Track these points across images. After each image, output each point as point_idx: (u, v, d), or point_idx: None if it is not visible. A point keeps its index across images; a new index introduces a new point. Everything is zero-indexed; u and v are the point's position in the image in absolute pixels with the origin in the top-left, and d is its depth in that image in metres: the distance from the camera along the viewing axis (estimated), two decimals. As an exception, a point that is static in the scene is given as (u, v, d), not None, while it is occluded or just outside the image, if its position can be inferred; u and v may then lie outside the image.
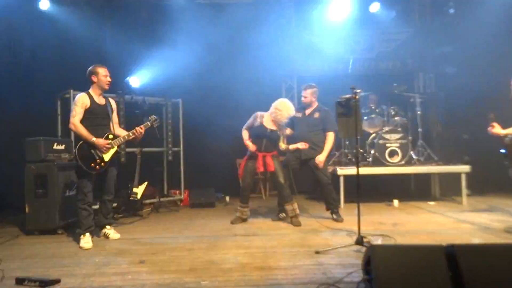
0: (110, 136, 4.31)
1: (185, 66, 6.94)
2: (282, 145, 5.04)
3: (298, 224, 4.93)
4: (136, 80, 7.04)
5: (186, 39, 6.95)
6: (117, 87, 6.42)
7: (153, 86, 7.03)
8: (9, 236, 4.72)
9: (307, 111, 5.32)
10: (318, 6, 7.83)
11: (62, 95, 5.93)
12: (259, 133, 5.05)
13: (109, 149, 4.24)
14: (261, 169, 5.04)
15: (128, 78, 6.96)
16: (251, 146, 5.00)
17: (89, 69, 4.34)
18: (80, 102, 4.19)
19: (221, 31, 7.21)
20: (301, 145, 4.98)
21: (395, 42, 8.03)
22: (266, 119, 5.08)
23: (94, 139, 4.14)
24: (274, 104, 5.03)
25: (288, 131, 5.15)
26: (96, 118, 4.28)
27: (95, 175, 4.26)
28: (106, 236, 4.44)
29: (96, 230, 4.50)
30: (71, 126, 4.20)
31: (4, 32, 6.27)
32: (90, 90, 4.32)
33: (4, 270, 3.32)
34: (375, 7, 7.71)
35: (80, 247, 4.09)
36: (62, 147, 5.18)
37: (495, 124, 4.64)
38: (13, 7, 6.30)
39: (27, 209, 4.80)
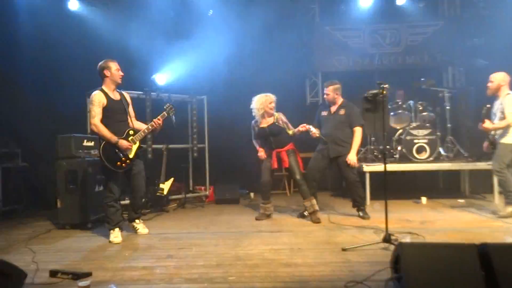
0: (131, 132, 4.29)
1: (210, 63, 6.99)
2: (290, 132, 5.01)
3: (317, 221, 4.89)
4: (162, 78, 7.13)
5: (211, 36, 6.99)
6: (143, 84, 6.56)
7: (179, 84, 7.11)
8: (42, 230, 4.90)
9: (332, 109, 5.24)
10: (343, 1, 7.72)
11: (91, 93, 6.06)
12: (262, 135, 5.14)
13: (131, 148, 4.25)
14: (275, 166, 5.06)
15: (154, 75, 7.06)
16: (262, 152, 5.15)
17: (99, 64, 4.25)
18: (97, 101, 4.14)
19: (245, 28, 7.22)
20: (301, 127, 4.86)
21: (423, 35, 7.83)
22: (258, 121, 5.13)
23: (117, 140, 4.13)
24: (252, 105, 5.12)
25: (316, 132, 4.94)
26: (114, 114, 4.24)
27: (122, 172, 4.31)
28: (135, 230, 4.50)
29: (126, 225, 4.61)
30: (93, 127, 4.18)
31: (35, 32, 6.46)
32: (104, 87, 4.25)
33: (38, 263, 3.45)
34: (402, 0, 7.53)
35: (110, 242, 4.19)
36: (92, 143, 5.31)
37: (486, 119, 4.76)
38: (43, 8, 6.50)
39: (59, 204, 4.96)
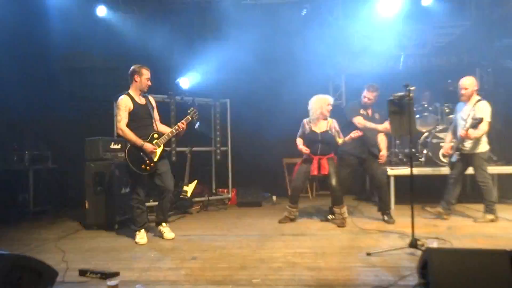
0: (155, 136, 4.35)
1: (233, 67, 7.05)
2: (339, 140, 4.99)
3: (342, 225, 4.88)
4: (186, 81, 7.23)
5: (234, 40, 7.04)
6: (168, 88, 6.68)
7: (203, 87, 7.20)
8: (71, 230, 5.05)
9: (369, 112, 5.23)
10: (366, 2, 7.64)
11: (117, 97, 6.21)
12: (312, 139, 5.06)
13: (156, 151, 4.31)
14: (315, 172, 5.00)
15: (178, 79, 7.17)
16: (305, 149, 5.02)
17: (133, 68, 4.31)
18: (123, 105, 4.20)
19: (269, 31, 7.25)
20: (353, 134, 4.84)
21: (450, 36, 7.64)
22: (313, 123, 5.10)
23: (143, 143, 4.20)
24: (310, 106, 5.11)
25: (354, 134, 4.89)
26: (140, 118, 4.30)
27: (148, 175, 4.37)
28: (161, 234, 4.47)
29: (152, 226, 4.69)
30: (119, 132, 4.24)
31: (65, 39, 6.66)
32: (130, 91, 4.31)
33: (68, 262, 3.56)
34: (427, 1, 7.39)
35: (136, 242, 4.27)
36: (118, 146, 5.44)
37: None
38: (72, 14, 6.70)
39: (86, 205, 5.10)
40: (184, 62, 7.21)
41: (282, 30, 7.28)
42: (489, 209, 4.93)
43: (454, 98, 6.80)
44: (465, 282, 2.28)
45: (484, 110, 4.79)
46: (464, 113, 4.92)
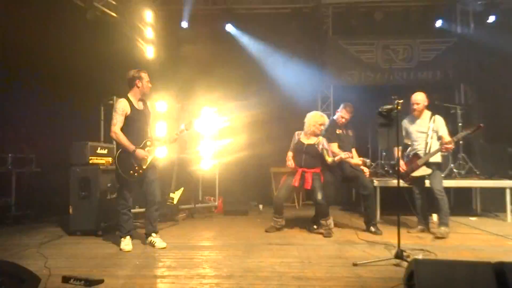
0: (148, 143, 4.33)
1: (223, 76, 7.07)
2: (328, 159, 5.05)
3: (328, 236, 4.90)
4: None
5: (223, 49, 7.09)
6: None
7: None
8: (54, 235, 4.94)
9: (344, 130, 5.42)
10: (355, 15, 7.79)
11: (105, 101, 6.16)
12: (298, 149, 5.16)
13: (147, 159, 4.29)
14: (296, 184, 5.06)
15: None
16: (291, 162, 5.11)
17: (132, 73, 4.29)
18: (121, 109, 4.18)
19: (258, 41, 7.31)
20: (344, 155, 4.95)
21: (436, 52, 7.85)
22: (302, 135, 5.21)
23: (135, 149, 4.17)
24: (305, 119, 5.21)
25: (345, 155, 4.99)
26: (136, 124, 4.27)
27: (136, 181, 4.35)
28: (152, 245, 4.35)
29: (137, 233, 4.63)
30: (112, 135, 4.19)
31: (52, 40, 6.57)
32: (130, 95, 4.29)
33: (50, 268, 3.48)
34: (414, 16, 7.58)
35: (121, 249, 4.20)
36: (105, 151, 5.37)
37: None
38: (55, 10, 6.60)
39: (70, 211, 5.00)
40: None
41: (271, 41, 7.35)
42: (446, 221, 4.87)
43: (439, 112, 6.96)
44: (451, 293, 2.32)
45: (442, 124, 4.90)
46: (422, 127, 4.94)
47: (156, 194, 4.40)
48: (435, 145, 4.83)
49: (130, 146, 4.17)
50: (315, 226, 5.27)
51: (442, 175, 6.28)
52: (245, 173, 7.30)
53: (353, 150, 5.35)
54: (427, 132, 4.89)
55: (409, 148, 5.09)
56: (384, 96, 4.12)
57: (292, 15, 7.76)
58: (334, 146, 5.21)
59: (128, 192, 4.33)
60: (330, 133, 5.28)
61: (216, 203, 7.07)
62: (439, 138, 4.86)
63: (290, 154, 5.24)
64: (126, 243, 4.24)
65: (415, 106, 4.99)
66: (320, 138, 5.15)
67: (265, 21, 7.57)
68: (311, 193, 5.18)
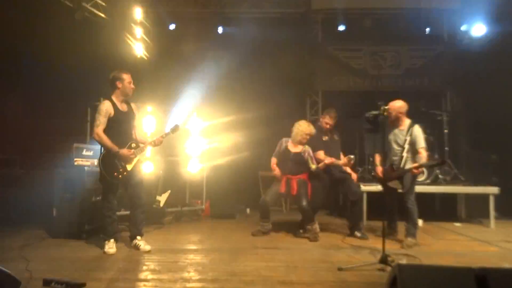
0: (133, 145, 4.28)
1: (210, 78, 7.06)
2: (312, 166, 5.09)
3: (314, 240, 4.92)
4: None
5: (211, 52, 7.09)
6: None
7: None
8: (36, 238, 4.85)
9: (329, 135, 5.44)
10: (344, 22, 7.86)
11: (92, 103, 6.10)
12: (284, 157, 5.21)
13: (132, 159, 4.24)
14: (283, 190, 5.12)
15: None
16: (276, 171, 5.17)
17: (112, 75, 4.25)
18: (104, 110, 4.13)
19: (247, 47, 7.33)
20: (328, 160, 5.00)
21: (423, 59, 7.95)
22: (290, 143, 5.25)
23: (118, 150, 4.14)
24: (293, 127, 5.24)
25: (328, 160, 5.02)
26: (120, 125, 4.22)
27: (120, 184, 4.30)
28: (136, 248, 4.27)
29: (122, 236, 4.57)
30: (95, 136, 4.15)
31: (37, 41, 6.50)
32: (113, 97, 4.24)
33: (32, 271, 3.41)
34: (402, 23, 7.68)
35: (104, 252, 4.15)
36: (91, 153, 5.31)
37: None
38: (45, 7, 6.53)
39: (54, 213, 4.93)
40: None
41: (261, 45, 7.37)
42: (414, 232, 4.74)
43: (426, 118, 7.06)
44: (433, 298, 2.33)
45: (419, 137, 4.70)
46: (400, 139, 4.75)
47: (141, 196, 4.36)
48: (408, 162, 4.70)
49: (113, 148, 4.12)
50: (301, 231, 5.28)
51: (428, 181, 6.40)
52: (233, 177, 7.27)
53: (341, 154, 5.38)
54: (403, 145, 4.72)
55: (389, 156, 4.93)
56: (372, 102, 4.15)
57: (282, 20, 7.80)
58: (321, 154, 5.23)
59: (113, 195, 4.28)
60: (316, 141, 5.28)
61: (203, 206, 7.03)
62: (416, 151, 4.71)
63: (274, 160, 5.29)
64: (110, 246, 4.18)
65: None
66: (306, 146, 5.19)
67: (255, 25, 7.58)
68: (294, 200, 5.21)
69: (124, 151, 4.18)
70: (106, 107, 4.15)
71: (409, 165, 4.70)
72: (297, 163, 5.14)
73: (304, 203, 5.00)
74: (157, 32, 7.55)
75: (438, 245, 4.87)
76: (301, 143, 5.16)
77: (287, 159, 5.17)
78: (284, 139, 5.33)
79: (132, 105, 4.45)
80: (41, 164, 6.15)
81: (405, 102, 4.84)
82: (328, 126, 5.36)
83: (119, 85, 4.23)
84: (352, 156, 4.99)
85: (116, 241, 4.32)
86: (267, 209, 5.24)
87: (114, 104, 4.21)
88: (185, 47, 7.44)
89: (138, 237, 4.36)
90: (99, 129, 4.12)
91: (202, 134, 7.03)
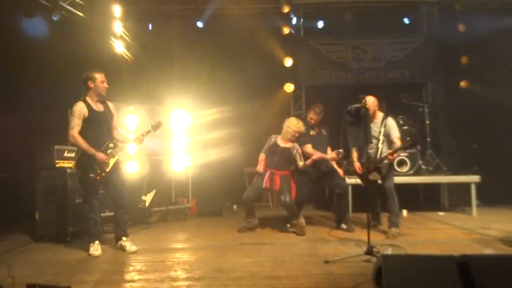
0: (110, 145, 4.20)
1: (195, 78, 7.02)
2: (300, 163, 5.11)
3: (301, 234, 4.95)
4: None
5: (192, 47, 7.04)
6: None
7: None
8: (19, 242, 4.76)
9: (317, 130, 5.46)
10: (326, 16, 7.90)
11: (72, 104, 5.98)
12: (272, 151, 5.21)
13: (109, 162, 4.15)
14: (267, 185, 5.11)
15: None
16: (260, 167, 5.20)
17: (84, 74, 4.16)
18: (78, 112, 4.04)
19: (229, 41, 7.31)
20: (315, 156, 5.05)
21: (404, 52, 8.03)
22: (279, 138, 5.27)
23: (94, 152, 4.05)
24: (284, 124, 5.24)
25: (315, 156, 5.08)
26: (96, 126, 4.14)
27: (101, 185, 4.23)
28: (122, 249, 4.22)
29: (106, 238, 4.52)
30: (70, 138, 4.08)
31: (17, 42, 6.37)
32: (87, 97, 4.16)
33: (15, 277, 3.35)
34: (382, 17, 7.74)
35: (89, 255, 4.09)
36: (72, 154, 5.19)
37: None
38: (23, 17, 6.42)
39: (37, 216, 4.85)
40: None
41: (242, 40, 7.35)
42: (397, 222, 4.81)
43: (408, 110, 7.17)
44: (417, 286, 2.37)
45: (393, 127, 4.88)
46: (374, 132, 4.80)
47: (123, 197, 4.27)
48: (385, 151, 4.81)
49: (90, 150, 4.04)
50: (288, 225, 5.30)
51: (411, 172, 6.50)
52: (219, 174, 7.25)
53: (328, 148, 5.40)
54: (378, 137, 4.83)
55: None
56: (356, 96, 4.18)
57: (263, 15, 7.78)
58: (308, 147, 5.25)
59: (93, 197, 4.21)
60: (303, 135, 5.30)
61: (190, 205, 7.00)
62: (391, 142, 4.85)
63: (262, 156, 5.29)
64: (95, 248, 4.13)
65: None
66: (296, 144, 5.21)
67: (236, 21, 7.55)
68: (278, 195, 5.23)
69: (100, 156, 4.07)
70: (79, 108, 4.07)
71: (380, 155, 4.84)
72: (284, 158, 5.15)
73: (287, 198, 5.02)
74: (137, 30, 7.44)
75: (422, 234, 4.95)
76: (291, 140, 5.18)
77: (275, 153, 5.17)
78: (273, 136, 5.34)
79: (110, 104, 4.36)
80: (22, 167, 6.03)
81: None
82: (313, 121, 5.37)
83: (91, 85, 4.14)
84: (341, 150, 5.03)
85: (102, 243, 4.27)
86: (251, 206, 5.26)
87: (88, 105, 4.12)
88: (165, 44, 7.36)
89: (124, 238, 4.30)
90: (74, 131, 4.04)
91: (186, 132, 7.00)
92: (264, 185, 5.12)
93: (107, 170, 4.15)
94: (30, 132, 6.36)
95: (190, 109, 7.11)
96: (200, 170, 7.20)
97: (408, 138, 6.57)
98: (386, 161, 4.68)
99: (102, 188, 4.29)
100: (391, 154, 4.58)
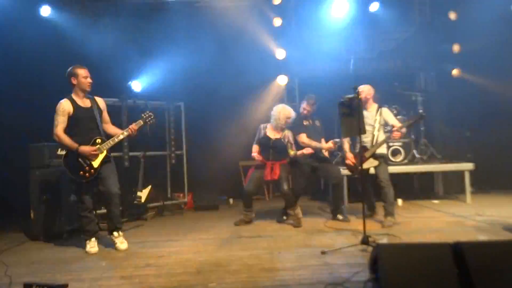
0: (98, 141, 4.09)
1: (187, 70, 6.97)
2: (291, 152, 5.09)
3: (298, 226, 4.96)
4: (138, 85, 7.07)
5: (187, 41, 6.98)
6: (119, 91, 6.48)
7: (155, 90, 7.05)
8: (15, 242, 4.74)
9: (310, 121, 5.44)
10: (318, 6, 7.85)
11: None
12: (264, 144, 5.17)
13: (96, 155, 4.04)
14: (269, 177, 5.09)
15: (130, 82, 6.98)
16: (257, 157, 5.11)
17: (67, 71, 4.08)
18: (61, 109, 3.98)
19: (223, 33, 7.25)
20: (306, 151, 5.05)
21: (396, 42, 8.02)
22: (268, 129, 5.22)
23: (77, 146, 3.95)
24: (272, 112, 5.21)
25: (307, 150, 5.09)
26: (82, 122, 4.06)
27: (92, 181, 4.11)
28: (114, 245, 4.20)
29: (103, 235, 4.50)
30: (55, 137, 4.02)
31: (5, 38, 6.28)
32: (73, 94, 4.09)
33: (11, 276, 3.35)
34: (374, 7, 7.71)
35: (86, 252, 4.09)
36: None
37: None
38: (13, 14, 6.31)
39: (32, 215, 4.82)
40: (136, 64, 7.03)
41: (236, 32, 7.29)
42: (392, 211, 4.84)
43: (401, 100, 7.19)
44: (412, 274, 2.40)
45: (390, 115, 5.01)
46: (369, 120, 4.88)
47: (113, 190, 4.13)
48: (381, 137, 4.89)
49: (73, 145, 3.95)
50: (284, 217, 5.33)
51: (406, 161, 6.53)
52: (214, 168, 7.25)
53: (322, 139, 5.40)
54: (374, 125, 4.90)
55: (357, 140, 4.98)
56: (348, 87, 4.17)
57: (254, 6, 7.72)
58: (303, 137, 5.23)
59: (86, 194, 4.13)
60: (298, 125, 5.30)
61: (186, 200, 7.01)
62: (391, 127, 4.93)
63: (255, 148, 5.26)
64: (92, 246, 4.11)
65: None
66: (286, 131, 5.19)
67: (227, 12, 7.48)
68: (277, 184, 5.22)
69: (85, 148, 3.97)
70: (63, 106, 4.00)
71: (382, 145, 4.89)
72: (278, 149, 5.13)
73: (285, 187, 5.03)
74: (129, 23, 7.34)
75: (417, 223, 4.98)
76: (282, 128, 5.15)
77: (268, 147, 5.15)
78: (262, 125, 5.30)
79: (98, 99, 4.27)
80: (16, 165, 5.97)
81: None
82: (305, 111, 5.37)
83: (74, 81, 4.07)
84: (337, 140, 5.03)
85: (98, 239, 4.25)
86: (250, 198, 5.25)
87: (73, 102, 4.05)
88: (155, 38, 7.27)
89: (115, 233, 4.23)
90: (58, 129, 3.98)
91: (180, 126, 6.98)
92: (265, 178, 5.10)
93: (96, 166, 4.05)
94: (24, 130, 6.29)
95: (183, 102, 7.10)
96: (196, 164, 7.19)
97: (413, 137, 6.70)
98: (392, 137, 4.78)
99: (93, 185, 4.18)
100: (398, 130, 4.65)
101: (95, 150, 4.02)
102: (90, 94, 4.25)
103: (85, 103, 4.15)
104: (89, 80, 4.12)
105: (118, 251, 4.15)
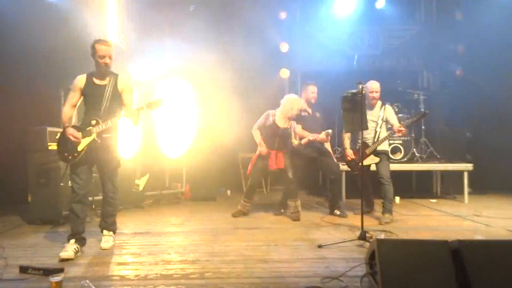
0: (93, 122, 3.64)
1: (193, 62, 6.92)
2: (295, 141, 5.03)
3: (296, 219, 4.94)
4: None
5: (191, 32, 6.93)
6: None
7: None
8: (11, 225, 4.74)
9: (310, 111, 5.38)
10: (323, 1, 7.81)
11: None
12: (272, 132, 5.06)
13: (78, 139, 3.59)
14: (274, 167, 5.02)
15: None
16: (264, 148, 5.02)
17: (91, 44, 3.69)
18: (73, 85, 3.69)
19: (225, 26, 7.20)
20: (312, 136, 4.95)
21: (400, 39, 8.00)
22: (278, 117, 5.06)
23: (64, 127, 3.63)
24: (284, 101, 5.05)
25: (312, 136, 5.02)
26: (89, 100, 3.71)
27: (86, 169, 3.71)
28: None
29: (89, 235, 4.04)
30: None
31: (4, 20, 6.21)
32: (95, 70, 3.72)
33: (7, 258, 3.35)
34: (380, 4, 7.67)
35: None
36: (66, 137, 5.15)
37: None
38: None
39: (29, 199, 4.81)
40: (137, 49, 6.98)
41: (238, 25, 7.25)
42: (390, 208, 4.87)
43: (403, 98, 7.17)
44: (409, 270, 2.39)
45: (392, 114, 4.97)
46: (373, 116, 4.91)
47: (107, 188, 3.81)
48: (383, 134, 4.88)
49: (64, 124, 3.65)
50: (282, 210, 5.32)
51: (405, 159, 6.53)
52: (213, 159, 7.22)
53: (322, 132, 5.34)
54: (377, 121, 4.90)
55: (359, 136, 4.92)
56: (351, 82, 4.15)
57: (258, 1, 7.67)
58: (298, 128, 5.19)
59: (77, 181, 3.65)
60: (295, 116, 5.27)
61: (184, 189, 6.99)
62: (390, 126, 4.92)
63: (258, 133, 5.11)
64: (66, 249, 3.44)
65: (374, 94, 4.94)
66: (293, 122, 5.14)
67: (229, 6, 7.43)
68: (280, 174, 5.17)
69: (69, 130, 3.58)
70: (75, 81, 3.72)
71: (384, 142, 4.86)
72: (284, 138, 5.06)
73: (291, 175, 5.01)
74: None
75: (414, 220, 4.99)
76: (291, 118, 5.06)
77: (275, 134, 5.03)
78: (271, 112, 5.12)
79: (121, 78, 3.78)
80: (14, 149, 5.95)
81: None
82: (315, 95, 5.33)
83: (93, 56, 3.71)
84: (330, 131, 4.91)
85: (79, 244, 3.60)
86: (254, 191, 5.27)
87: (89, 77, 3.71)
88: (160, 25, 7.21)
89: (105, 232, 3.86)
90: (65, 104, 3.72)
91: (181, 116, 6.95)
92: (270, 168, 5.04)
93: (79, 149, 3.62)
94: (22, 114, 6.26)
95: (184, 93, 7.06)
96: (194, 155, 7.16)
97: (413, 135, 6.69)
98: (395, 134, 4.77)
99: (86, 171, 3.74)
100: (401, 128, 4.60)
101: (76, 137, 3.59)
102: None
103: (101, 80, 3.73)
104: (105, 60, 3.64)
105: (116, 237, 3.94)
